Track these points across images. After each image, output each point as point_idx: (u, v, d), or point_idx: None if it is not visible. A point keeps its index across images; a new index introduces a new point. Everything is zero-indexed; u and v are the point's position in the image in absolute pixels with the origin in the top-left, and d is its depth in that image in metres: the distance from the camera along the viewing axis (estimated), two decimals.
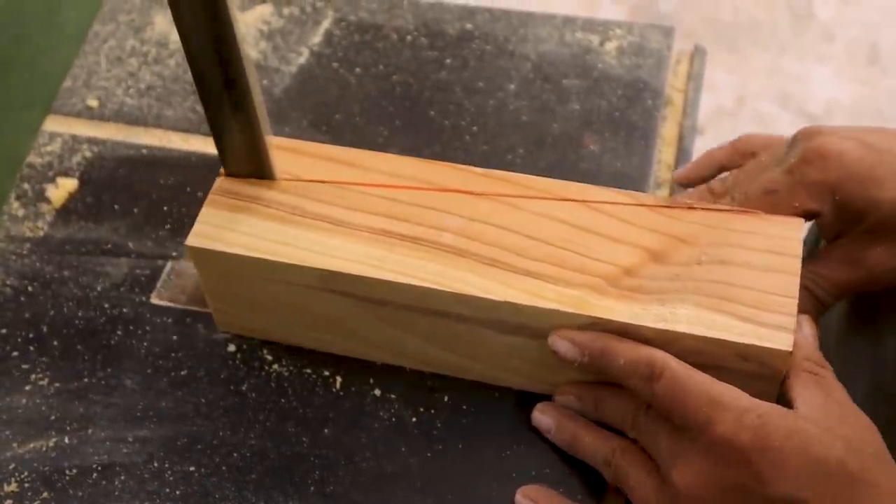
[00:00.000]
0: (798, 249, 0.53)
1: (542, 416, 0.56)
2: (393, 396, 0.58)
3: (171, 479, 0.55)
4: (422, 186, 0.57)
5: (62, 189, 0.67)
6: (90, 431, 0.57)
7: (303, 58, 0.76)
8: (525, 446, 0.56)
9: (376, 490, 0.55)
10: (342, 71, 0.75)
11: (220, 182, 0.58)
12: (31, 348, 0.61)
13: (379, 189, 0.57)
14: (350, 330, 0.58)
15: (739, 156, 0.62)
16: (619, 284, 0.53)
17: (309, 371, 0.60)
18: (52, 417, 0.58)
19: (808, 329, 0.53)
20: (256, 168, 0.58)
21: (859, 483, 0.45)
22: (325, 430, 0.57)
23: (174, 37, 0.76)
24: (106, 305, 0.63)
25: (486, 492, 0.55)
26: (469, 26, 0.77)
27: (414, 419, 0.57)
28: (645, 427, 0.52)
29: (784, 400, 0.50)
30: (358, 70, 0.74)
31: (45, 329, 0.62)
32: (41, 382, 0.59)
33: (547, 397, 0.57)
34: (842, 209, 0.54)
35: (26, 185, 0.67)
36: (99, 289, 0.63)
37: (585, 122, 0.71)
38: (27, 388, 0.59)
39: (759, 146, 0.60)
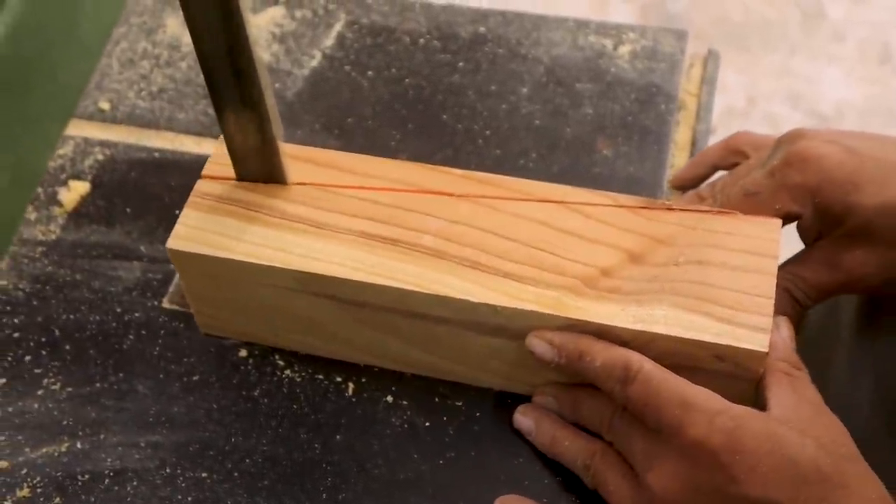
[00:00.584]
0: (776, 250, 0.53)
1: (523, 419, 0.56)
2: (405, 403, 0.58)
3: (183, 484, 0.55)
4: (402, 188, 0.57)
5: (74, 192, 0.67)
6: (102, 437, 0.57)
7: (315, 61, 0.75)
8: (537, 454, 0.56)
9: (388, 497, 0.55)
10: (354, 74, 0.74)
11: (201, 184, 0.58)
12: (44, 352, 0.61)
13: (360, 191, 0.57)
14: (331, 332, 0.58)
15: (732, 155, 0.62)
16: (596, 285, 0.53)
17: (321, 377, 0.59)
18: (65, 422, 0.58)
19: (786, 330, 0.53)
20: (268, 172, 0.58)
21: (831, 484, 0.46)
22: (337, 437, 0.57)
23: (186, 39, 0.76)
24: (118, 310, 0.62)
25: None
26: (482, 29, 0.77)
27: (426, 426, 0.57)
28: (620, 430, 0.52)
29: (759, 400, 0.51)
30: (370, 73, 0.74)
31: (57, 333, 0.62)
32: (53, 387, 0.59)
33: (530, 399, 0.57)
34: (821, 212, 0.54)
35: (39, 189, 0.67)
36: (111, 293, 0.63)
37: (598, 127, 0.70)
38: (39, 392, 0.59)
39: (751, 146, 0.61)
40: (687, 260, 0.53)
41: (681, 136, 0.71)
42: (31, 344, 0.61)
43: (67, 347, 0.61)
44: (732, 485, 0.46)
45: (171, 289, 0.63)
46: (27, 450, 0.57)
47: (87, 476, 0.56)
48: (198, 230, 0.56)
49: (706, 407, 0.48)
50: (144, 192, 0.68)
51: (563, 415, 0.55)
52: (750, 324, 0.51)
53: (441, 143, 0.70)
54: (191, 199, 0.57)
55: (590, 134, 0.70)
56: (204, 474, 0.56)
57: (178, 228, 0.56)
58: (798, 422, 0.48)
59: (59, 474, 0.56)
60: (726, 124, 1.63)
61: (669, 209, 0.56)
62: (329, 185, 0.58)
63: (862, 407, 0.62)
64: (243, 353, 0.61)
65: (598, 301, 0.52)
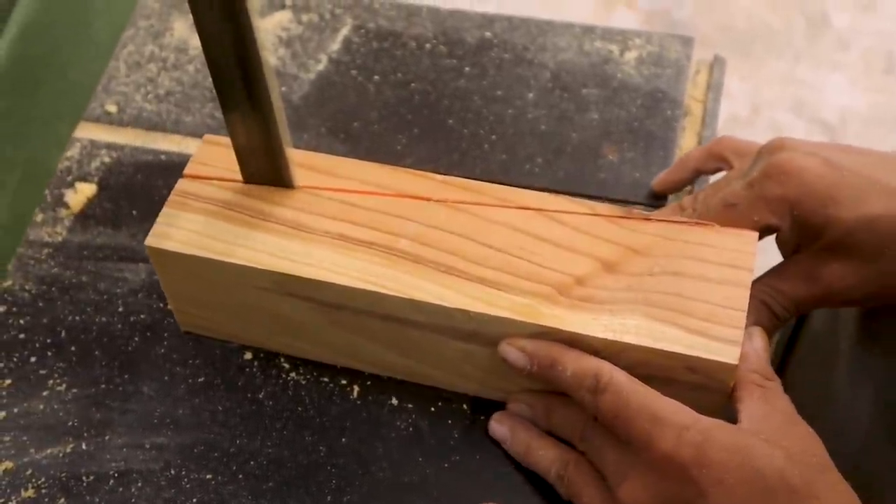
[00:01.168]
0: (751, 263, 0.53)
1: (498, 426, 0.56)
2: (410, 406, 0.58)
3: (187, 486, 0.55)
4: (381, 192, 0.57)
5: (81, 194, 0.67)
6: (107, 438, 0.57)
7: (321, 65, 0.76)
8: None
9: (392, 500, 0.55)
10: (361, 78, 0.74)
11: (182, 183, 0.58)
12: (49, 353, 0.61)
13: (339, 194, 0.58)
14: (307, 333, 0.58)
15: (714, 160, 0.62)
16: (570, 294, 0.53)
17: (326, 380, 0.59)
18: (70, 423, 0.58)
19: (759, 341, 0.53)
20: (275, 175, 0.58)
21: (799, 496, 0.46)
22: (342, 440, 0.57)
23: (193, 42, 0.76)
24: (124, 311, 0.63)
25: (506, 503, 0.55)
26: (488, 34, 0.77)
27: (431, 429, 0.57)
28: (592, 441, 0.52)
29: (732, 412, 0.51)
30: (376, 77, 0.74)
31: (62, 334, 0.62)
32: (59, 388, 0.59)
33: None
34: (800, 225, 0.54)
35: (45, 191, 0.67)
36: (117, 294, 0.63)
37: (604, 132, 0.71)
38: (45, 393, 0.59)
39: (733, 152, 0.60)
40: (662, 270, 0.53)
41: (686, 141, 0.71)
42: (37, 345, 0.61)
43: (73, 349, 0.61)
44: (700, 498, 0.46)
45: None
46: (32, 450, 0.57)
47: (91, 477, 0.56)
48: (177, 229, 0.56)
49: (675, 421, 0.48)
50: (151, 195, 0.68)
51: (536, 422, 0.55)
52: (722, 336, 0.51)
53: (447, 148, 0.70)
54: (171, 197, 0.58)
55: (596, 139, 0.70)
56: (208, 476, 0.56)
57: (158, 227, 0.56)
58: (768, 432, 0.48)
59: (63, 475, 0.56)
60: (730, 131, 1.63)
61: (647, 219, 0.56)
62: (308, 188, 0.58)
63: (863, 417, 0.62)
64: (248, 355, 0.61)
65: (571, 309, 0.52)
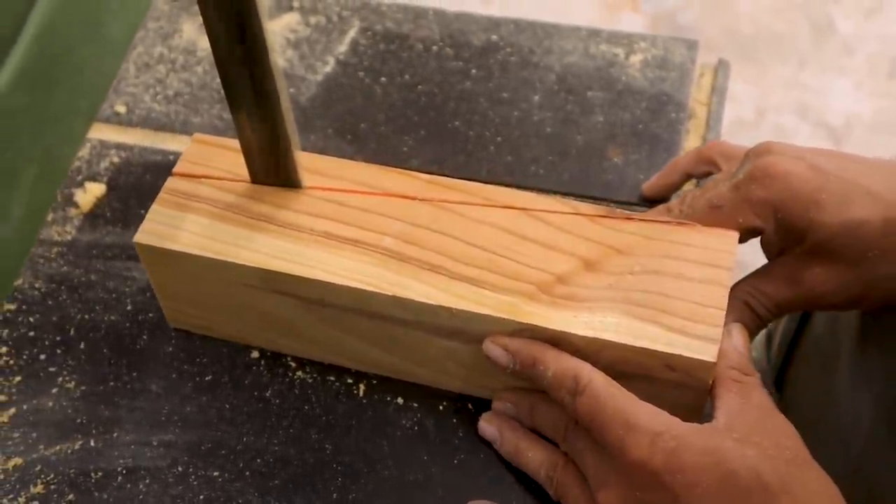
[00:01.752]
0: (730, 262, 0.54)
1: (487, 427, 0.57)
2: (415, 405, 0.59)
3: (194, 483, 0.56)
4: (367, 191, 0.58)
5: (90, 194, 0.68)
6: (115, 435, 0.58)
7: (329, 66, 0.76)
8: None
9: (398, 498, 0.55)
10: (368, 80, 0.75)
11: (172, 181, 0.59)
12: (59, 351, 0.61)
13: (325, 192, 0.58)
14: (294, 330, 0.59)
15: (704, 164, 0.62)
16: (551, 292, 0.53)
17: (332, 378, 0.60)
18: (79, 420, 0.59)
19: (738, 338, 0.53)
20: (284, 177, 0.58)
21: (772, 493, 0.46)
22: (348, 438, 0.57)
23: (202, 44, 0.77)
24: (132, 310, 0.63)
25: (507, 501, 0.55)
26: (494, 37, 0.77)
27: (436, 428, 0.58)
28: (574, 443, 0.52)
29: (711, 408, 0.51)
30: (383, 79, 0.75)
31: (72, 332, 0.62)
32: (68, 385, 0.60)
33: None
34: (784, 228, 0.54)
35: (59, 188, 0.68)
36: (125, 293, 0.64)
37: (609, 135, 0.71)
38: (54, 390, 0.60)
39: (722, 156, 0.61)
40: (642, 269, 0.54)
41: (691, 144, 0.72)
42: (47, 343, 0.62)
43: (82, 346, 0.62)
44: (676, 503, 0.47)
45: None
46: (41, 447, 0.57)
47: (99, 474, 0.56)
48: (165, 226, 0.57)
49: (648, 427, 0.48)
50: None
51: (521, 420, 0.56)
52: (699, 334, 0.51)
53: (453, 150, 0.71)
54: (161, 195, 0.58)
55: (601, 141, 0.71)
56: (216, 473, 0.56)
57: (147, 224, 0.57)
58: (743, 428, 0.49)
59: (72, 471, 0.57)
60: (735, 135, 1.64)
61: (629, 219, 0.56)
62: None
63: (864, 420, 0.62)
64: (255, 354, 0.61)
65: (552, 307, 0.53)
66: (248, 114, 0.55)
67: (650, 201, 0.67)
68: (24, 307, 0.63)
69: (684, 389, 0.52)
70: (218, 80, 0.74)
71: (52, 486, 0.56)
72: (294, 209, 0.57)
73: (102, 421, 0.58)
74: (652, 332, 0.51)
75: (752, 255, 0.58)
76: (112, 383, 0.60)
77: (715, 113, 0.74)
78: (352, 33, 0.78)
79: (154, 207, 0.58)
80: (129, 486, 0.56)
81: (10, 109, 0.27)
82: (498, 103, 0.73)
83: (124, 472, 0.56)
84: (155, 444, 0.57)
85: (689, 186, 0.67)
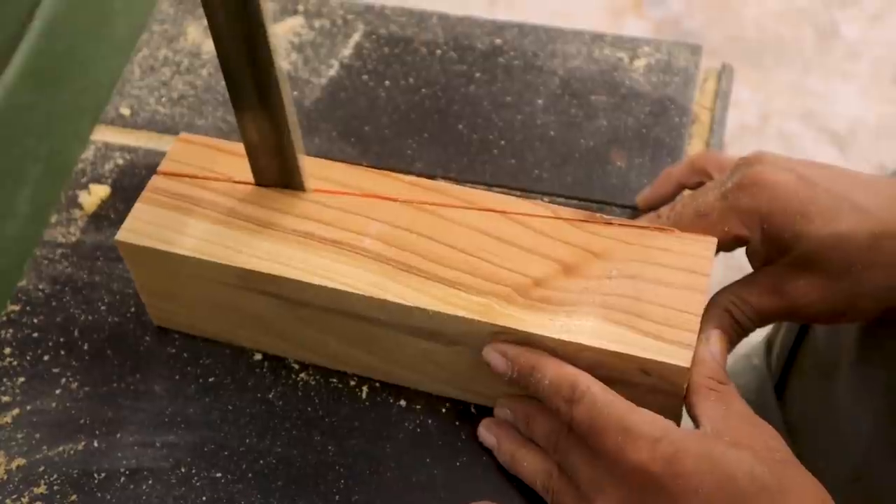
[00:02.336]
0: (708, 268, 0.54)
1: (486, 434, 0.57)
2: (418, 407, 0.59)
3: (197, 484, 0.56)
4: (349, 192, 0.58)
5: (94, 195, 0.68)
6: (119, 436, 0.58)
7: (333, 70, 0.76)
8: None
9: (400, 500, 0.55)
10: (372, 84, 0.75)
11: (156, 180, 0.59)
12: (62, 352, 0.62)
13: (308, 192, 0.59)
14: (274, 330, 0.59)
15: (696, 174, 0.62)
16: (528, 295, 0.54)
17: (335, 380, 0.60)
18: (82, 421, 0.59)
19: (716, 345, 0.53)
20: (286, 177, 0.58)
21: (770, 492, 0.46)
22: (351, 440, 0.58)
23: (206, 47, 0.77)
24: (136, 311, 0.63)
25: None
26: (498, 41, 0.77)
27: (439, 430, 0.58)
28: (567, 453, 0.52)
29: (691, 418, 0.51)
30: (387, 83, 0.75)
31: (76, 333, 0.62)
32: (71, 386, 0.60)
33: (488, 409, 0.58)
34: (770, 238, 0.54)
35: (59, 192, 0.68)
36: (129, 294, 0.64)
37: (613, 139, 0.71)
38: (58, 391, 0.60)
39: (715, 166, 0.61)
40: (620, 274, 0.54)
41: (694, 148, 0.72)
42: (50, 344, 0.62)
43: (85, 347, 0.62)
44: None
45: None
46: (44, 447, 0.58)
47: (103, 474, 0.57)
48: (148, 224, 0.57)
49: (646, 433, 0.48)
50: None
51: (519, 428, 0.56)
52: (675, 339, 0.51)
53: (456, 153, 0.71)
54: (144, 194, 0.59)
55: (604, 146, 0.71)
56: (218, 474, 0.56)
57: (129, 222, 0.58)
58: (731, 433, 0.49)
59: (75, 472, 0.57)
60: (739, 141, 1.64)
61: (608, 223, 0.56)
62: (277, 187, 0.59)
63: (864, 428, 0.62)
64: (258, 356, 0.61)
65: (528, 310, 0.53)
66: (252, 114, 0.55)
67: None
68: (27, 308, 0.64)
69: (660, 394, 0.52)
70: (222, 82, 0.74)
71: (56, 487, 0.56)
72: (276, 209, 0.58)
73: (105, 422, 0.59)
74: (627, 337, 0.51)
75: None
76: (115, 384, 0.60)
77: (718, 118, 0.74)
78: (356, 37, 0.78)
79: (137, 206, 0.58)
80: (131, 486, 0.56)
81: (16, 107, 0.27)
82: (501, 107, 0.73)
83: (127, 472, 0.57)
84: (158, 445, 0.58)
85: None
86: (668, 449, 0.48)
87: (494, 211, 0.57)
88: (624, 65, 0.75)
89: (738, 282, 0.56)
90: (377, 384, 0.60)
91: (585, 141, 0.71)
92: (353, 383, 0.60)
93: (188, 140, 0.61)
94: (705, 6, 1.85)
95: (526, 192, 0.68)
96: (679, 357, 0.51)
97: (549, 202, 0.67)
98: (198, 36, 0.78)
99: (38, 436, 0.58)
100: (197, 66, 0.77)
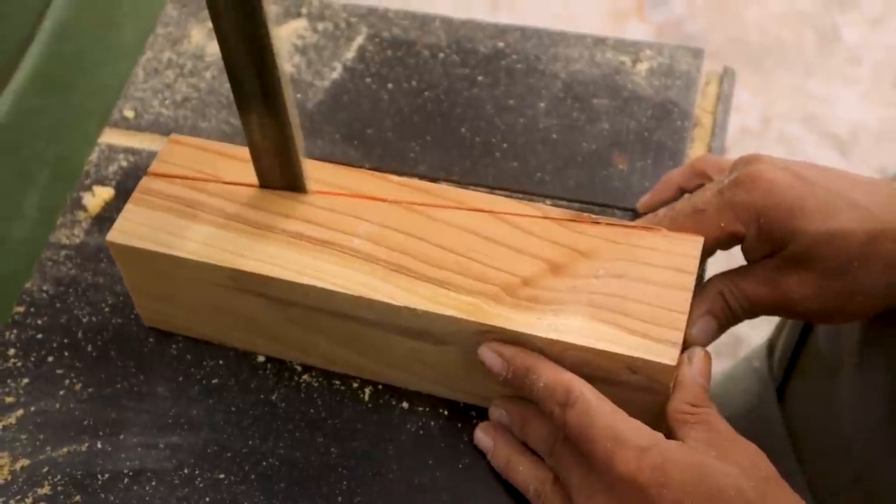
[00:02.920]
0: (694, 267, 0.54)
1: (483, 437, 0.57)
2: (421, 409, 0.59)
3: (200, 485, 0.56)
4: (338, 192, 0.59)
5: (98, 197, 0.68)
6: (122, 437, 0.58)
7: (336, 73, 0.77)
8: None
9: (403, 502, 0.55)
10: (374, 86, 0.75)
11: (146, 181, 0.60)
12: (66, 353, 0.62)
13: (298, 193, 0.59)
14: (265, 330, 0.59)
15: (696, 177, 0.62)
16: (516, 294, 0.54)
17: (338, 382, 0.60)
18: (86, 422, 0.59)
19: (698, 363, 0.53)
20: (290, 181, 0.59)
21: None
22: (354, 442, 0.58)
23: (210, 50, 0.77)
24: (139, 313, 0.63)
25: None
26: (501, 44, 0.78)
27: (441, 433, 0.58)
28: (560, 458, 0.52)
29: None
30: (390, 86, 0.75)
31: (79, 335, 0.63)
32: (75, 387, 0.60)
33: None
34: (765, 234, 0.54)
35: (71, 190, 0.68)
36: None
37: (615, 142, 0.71)
38: (61, 392, 0.60)
39: (715, 168, 0.61)
40: (607, 273, 0.54)
41: (696, 152, 0.72)
42: (54, 345, 0.62)
43: (89, 349, 0.62)
44: None
45: None
46: (48, 448, 0.58)
47: (106, 475, 0.57)
48: (139, 225, 0.58)
49: (635, 442, 0.48)
50: None
51: (513, 431, 0.56)
52: (661, 337, 0.52)
53: (459, 156, 0.71)
54: (134, 195, 0.59)
55: (606, 149, 0.71)
56: (221, 476, 0.57)
57: (120, 223, 0.58)
58: (716, 449, 0.49)
59: (79, 473, 0.57)
60: (740, 144, 1.64)
61: (595, 223, 0.57)
62: (268, 187, 0.59)
63: (866, 431, 0.63)
64: (261, 358, 0.61)
65: (516, 309, 0.53)
66: (256, 116, 0.55)
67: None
68: (32, 310, 0.64)
69: (647, 393, 0.52)
70: (225, 85, 0.75)
71: (59, 488, 0.56)
72: (265, 210, 0.58)
73: (109, 423, 0.59)
74: (614, 335, 0.52)
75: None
76: (119, 386, 0.60)
77: (720, 121, 0.74)
78: (359, 40, 0.79)
79: (128, 206, 0.59)
80: (135, 487, 0.56)
81: (24, 111, 0.28)
82: (504, 110, 0.74)
83: (130, 473, 0.57)
84: (161, 446, 0.58)
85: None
86: (656, 459, 0.48)
87: (483, 211, 0.58)
88: (626, 68, 0.76)
89: (734, 269, 0.57)
90: (380, 386, 0.60)
91: (587, 144, 0.71)
92: (355, 385, 0.60)
93: (179, 141, 0.62)
94: (707, 10, 1.85)
95: (528, 194, 0.68)
96: (665, 355, 0.51)
97: (552, 205, 0.68)
98: (201, 39, 0.79)
99: (41, 437, 0.58)
100: (200, 69, 0.77)
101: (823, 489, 0.66)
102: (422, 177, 0.69)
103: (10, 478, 0.57)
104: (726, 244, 0.56)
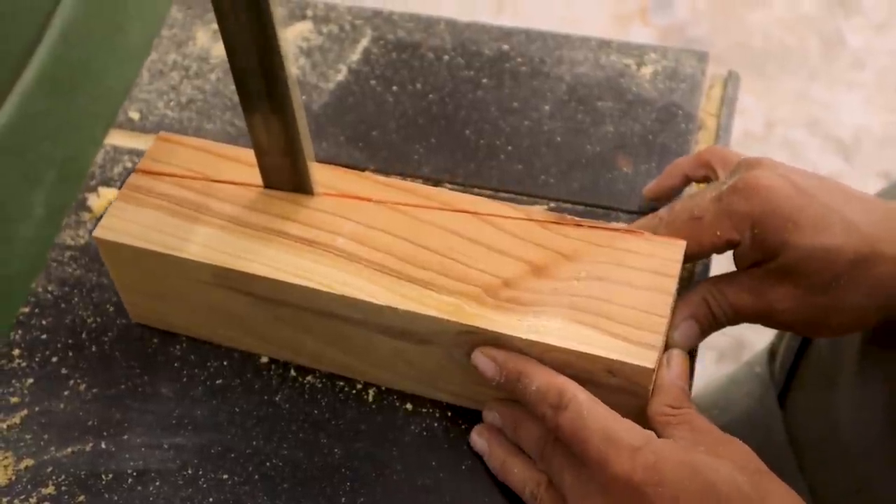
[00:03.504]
0: (676, 270, 0.55)
1: (479, 439, 0.57)
2: (424, 410, 0.59)
3: (204, 486, 0.56)
4: (324, 192, 0.59)
5: (103, 198, 0.69)
6: (126, 437, 0.58)
7: (341, 75, 0.77)
8: None
9: (406, 503, 0.55)
10: (379, 89, 0.76)
11: (134, 178, 0.60)
12: (71, 354, 0.62)
13: (283, 192, 0.59)
14: (250, 328, 0.60)
15: (702, 167, 0.62)
16: (497, 295, 0.54)
17: (342, 383, 0.60)
18: (90, 422, 0.59)
19: (676, 367, 0.54)
20: (296, 182, 0.59)
21: (751, 500, 0.47)
22: (357, 443, 0.58)
23: (215, 52, 0.78)
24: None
25: None
26: (505, 47, 0.78)
27: (445, 433, 0.58)
28: (552, 461, 0.52)
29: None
30: (395, 88, 0.76)
31: (84, 335, 0.63)
32: (79, 388, 0.60)
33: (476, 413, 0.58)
34: (758, 243, 0.54)
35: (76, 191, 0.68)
36: None
37: (619, 145, 0.71)
38: (66, 393, 0.60)
39: (719, 160, 0.61)
40: (588, 275, 0.55)
41: None
42: (59, 345, 0.62)
43: (94, 349, 0.62)
44: None
45: None
46: (53, 448, 0.58)
47: (110, 475, 0.57)
48: (126, 222, 0.58)
49: (628, 442, 0.49)
50: None
51: (506, 434, 0.56)
52: (640, 340, 0.52)
53: (463, 158, 0.71)
54: (122, 191, 0.59)
55: (610, 151, 0.71)
56: (225, 476, 0.57)
57: (107, 219, 0.58)
58: (705, 446, 0.49)
59: (83, 473, 0.57)
60: (744, 148, 1.63)
61: (578, 225, 0.57)
62: (255, 185, 0.60)
63: (867, 441, 0.62)
64: (265, 359, 0.62)
65: (497, 310, 0.54)
66: (262, 117, 0.55)
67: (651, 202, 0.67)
68: (36, 310, 0.64)
69: (626, 395, 0.53)
70: (230, 87, 0.75)
71: (63, 488, 0.56)
72: (252, 208, 0.59)
73: (113, 423, 0.59)
74: (594, 338, 0.52)
75: None
76: (123, 386, 0.61)
77: (724, 125, 0.74)
78: (364, 42, 0.79)
79: (115, 203, 0.59)
80: (139, 488, 0.56)
81: (31, 113, 0.28)
82: (508, 112, 0.74)
83: (134, 474, 0.57)
84: (165, 446, 0.58)
85: (689, 190, 0.67)
86: (649, 458, 0.48)
87: (467, 212, 0.58)
88: (631, 71, 0.76)
89: (720, 276, 0.57)
90: (384, 388, 0.60)
91: (592, 147, 0.71)
92: (359, 386, 0.60)
93: (167, 139, 0.62)
94: (710, 14, 1.85)
95: (532, 197, 0.69)
96: (644, 358, 0.51)
97: (556, 207, 0.68)
98: (206, 41, 0.79)
99: (46, 437, 0.58)
100: (205, 71, 0.77)
101: (825, 498, 0.66)
102: (426, 179, 0.70)
103: (14, 477, 0.57)
104: (722, 250, 0.56)
